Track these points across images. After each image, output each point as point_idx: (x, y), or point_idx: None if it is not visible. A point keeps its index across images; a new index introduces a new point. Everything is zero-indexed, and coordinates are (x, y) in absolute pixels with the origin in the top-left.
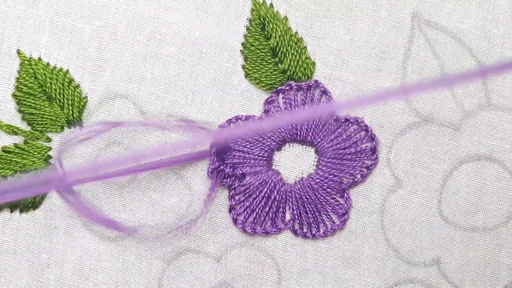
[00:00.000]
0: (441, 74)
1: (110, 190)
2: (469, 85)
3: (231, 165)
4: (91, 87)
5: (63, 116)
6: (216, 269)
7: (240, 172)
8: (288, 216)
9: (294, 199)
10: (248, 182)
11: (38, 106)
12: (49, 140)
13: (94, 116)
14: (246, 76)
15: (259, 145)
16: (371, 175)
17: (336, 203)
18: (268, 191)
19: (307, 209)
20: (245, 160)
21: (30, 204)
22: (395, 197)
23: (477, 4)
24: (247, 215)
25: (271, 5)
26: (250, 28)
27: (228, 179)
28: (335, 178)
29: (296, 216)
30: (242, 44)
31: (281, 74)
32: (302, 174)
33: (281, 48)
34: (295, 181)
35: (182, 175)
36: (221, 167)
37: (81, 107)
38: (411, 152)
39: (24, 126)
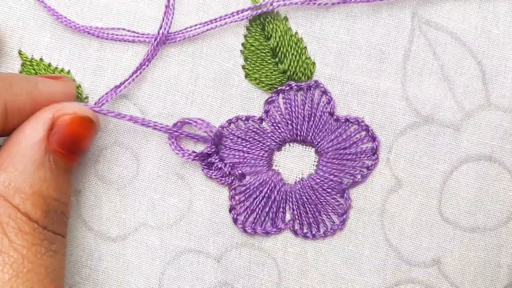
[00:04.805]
0: (442, 74)
1: (110, 190)
2: (469, 85)
3: (230, 164)
4: (92, 88)
5: None
6: (216, 269)
7: (240, 172)
8: (288, 216)
9: (294, 199)
10: (248, 182)
11: None
12: None
13: None
14: (246, 76)
15: (259, 145)
16: (371, 175)
17: (336, 203)
18: (268, 191)
19: (307, 209)
20: (245, 160)
21: None
22: (395, 197)
23: (477, 4)
24: (247, 215)
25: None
26: (250, 28)
27: (227, 177)
28: (335, 178)
29: (296, 216)
30: (242, 44)
31: (281, 74)
32: (302, 174)
33: (281, 48)
34: (295, 181)
35: (182, 175)
36: (217, 163)
37: None
38: (411, 152)
39: None
